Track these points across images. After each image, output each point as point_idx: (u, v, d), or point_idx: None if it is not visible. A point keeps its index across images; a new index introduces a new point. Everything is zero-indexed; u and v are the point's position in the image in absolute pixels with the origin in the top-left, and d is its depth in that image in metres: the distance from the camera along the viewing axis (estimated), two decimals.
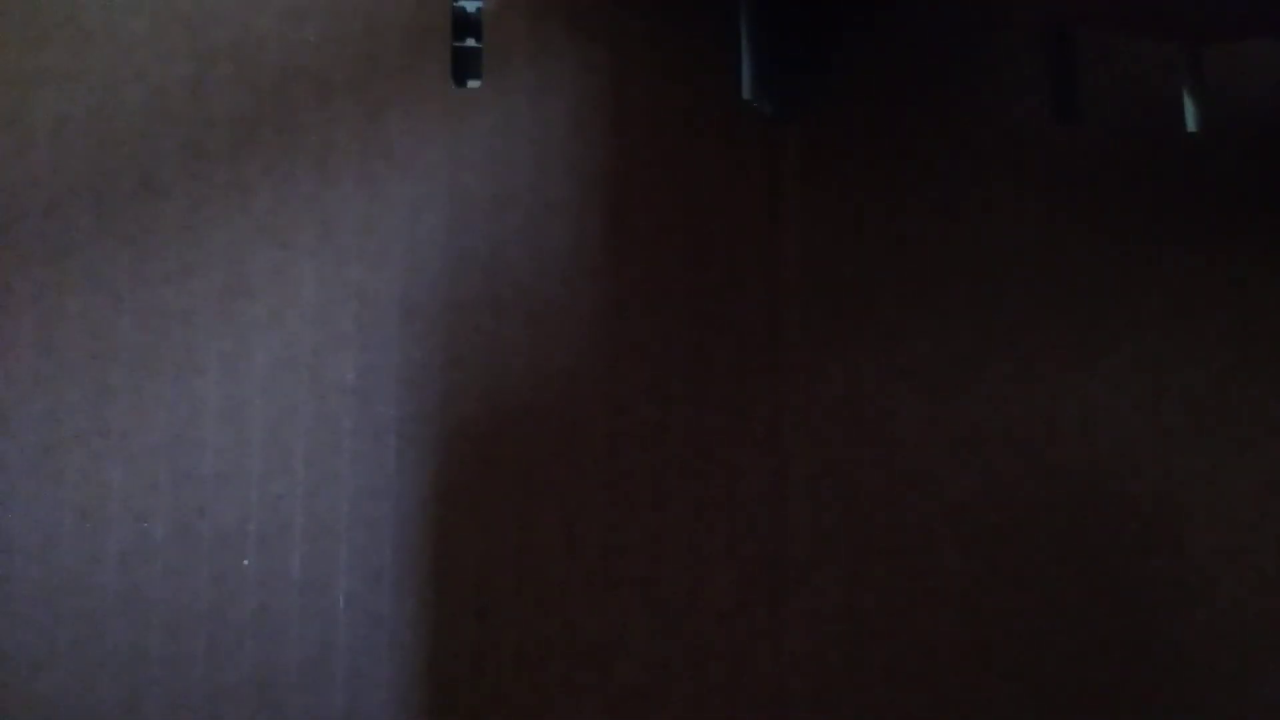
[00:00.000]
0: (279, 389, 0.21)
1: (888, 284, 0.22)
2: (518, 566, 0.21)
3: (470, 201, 0.22)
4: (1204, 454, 0.22)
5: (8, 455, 0.21)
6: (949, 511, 0.21)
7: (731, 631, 0.21)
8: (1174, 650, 0.21)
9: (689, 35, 0.23)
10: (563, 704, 0.21)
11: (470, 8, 0.23)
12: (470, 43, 0.23)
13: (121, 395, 0.21)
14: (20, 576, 0.20)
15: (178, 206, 0.21)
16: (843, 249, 0.22)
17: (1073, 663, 0.21)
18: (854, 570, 0.21)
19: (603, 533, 0.21)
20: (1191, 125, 0.23)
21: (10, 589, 0.20)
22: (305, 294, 0.21)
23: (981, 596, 0.21)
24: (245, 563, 0.21)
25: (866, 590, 0.21)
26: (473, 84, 0.22)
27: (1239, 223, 0.22)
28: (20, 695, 0.20)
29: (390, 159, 0.22)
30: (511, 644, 0.21)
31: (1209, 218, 0.22)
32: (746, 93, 0.23)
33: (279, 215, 0.21)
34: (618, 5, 0.23)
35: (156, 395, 0.21)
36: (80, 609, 0.20)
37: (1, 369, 0.21)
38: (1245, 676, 0.21)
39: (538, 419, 0.21)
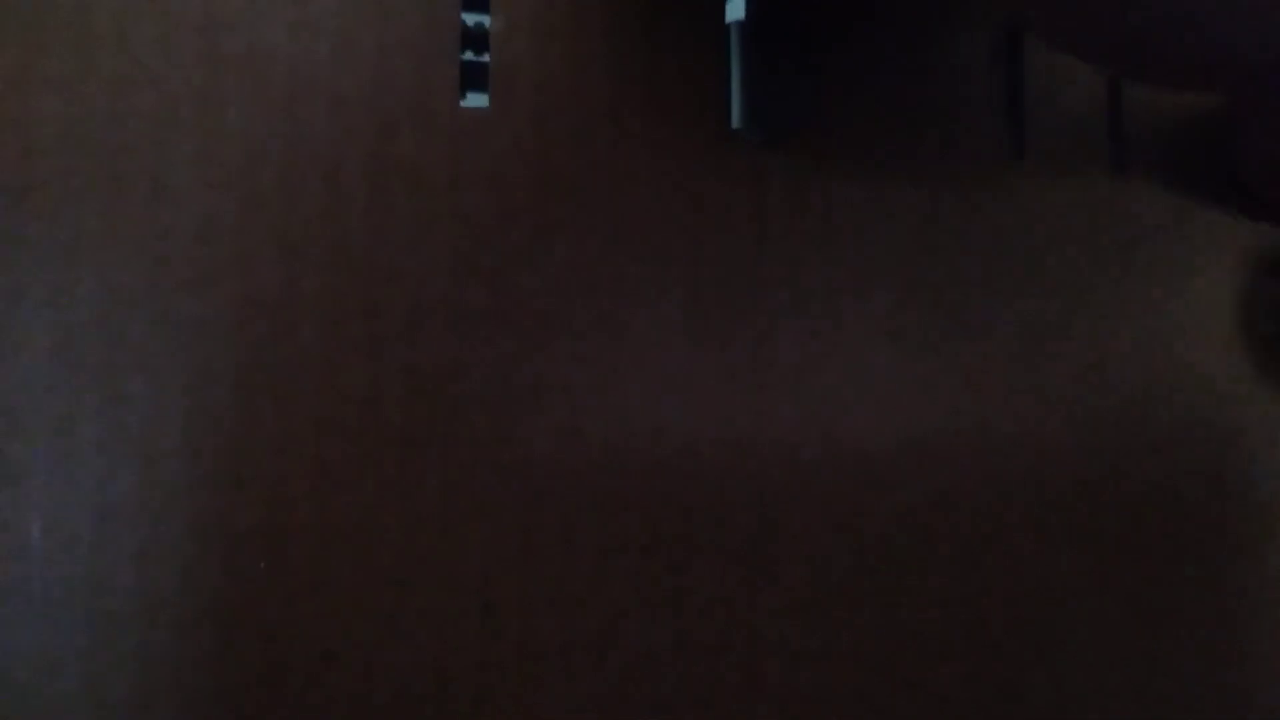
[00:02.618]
0: (290, 397, 0.22)
1: (858, 302, 0.24)
2: (520, 566, 0.22)
3: (475, 219, 0.23)
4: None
5: (25, 460, 0.21)
6: (905, 514, 0.24)
7: (712, 622, 0.23)
8: (1147, 642, 0.24)
9: (683, 67, 0.24)
10: (560, 692, 0.22)
11: (470, 21, 0.23)
12: (471, 56, 0.23)
13: (137, 402, 0.21)
14: (37, 578, 0.21)
15: (190, 214, 0.22)
16: (821, 268, 0.24)
17: (1043, 654, 0.24)
18: (822, 566, 0.23)
19: (599, 534, 0.23)
20: (1111, 158, 0.25)
21: (28, 590, 0.21)
22: (316, 305, 0.22)
23: (940, 588, 0.24)
24: (261, 565, 0.21)
25: (833, 584, 0.23)
26: (479, 99, 0.23)
27: (1153, 255, 0.25)
28: (36, 694, 0.20)
29: (399, 176, 0.22)
30: (514, 638, 0.22)
31: (1130, 249, 0.25)
32: (736, 122, 0.24)
33: (290, 227, 0.22)
34: (616, 37, 0.24)
35: (171, 402, 0.21)
36: (95, 610, 0.21)
37: (18, 375, 0.21)
38: (1221, 674, 0.24)
39: (539, 426, 0.23)
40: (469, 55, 0.23)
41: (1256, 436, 0.25)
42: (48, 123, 0.21)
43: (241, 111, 0.22)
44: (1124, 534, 0.24)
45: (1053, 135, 0.25)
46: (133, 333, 0.21)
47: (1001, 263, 0.25)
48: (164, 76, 0.22)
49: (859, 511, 0.24)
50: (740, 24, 0.25)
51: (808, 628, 0.23)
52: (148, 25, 0.22)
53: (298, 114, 0.22)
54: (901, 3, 0.25)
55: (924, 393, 0.24)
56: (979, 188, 0.25)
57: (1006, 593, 0.24)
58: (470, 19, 0.24)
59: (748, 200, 0.24)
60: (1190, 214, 0.25)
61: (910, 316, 0.24)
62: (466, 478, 0.22)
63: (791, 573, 0.23)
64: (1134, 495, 0.24)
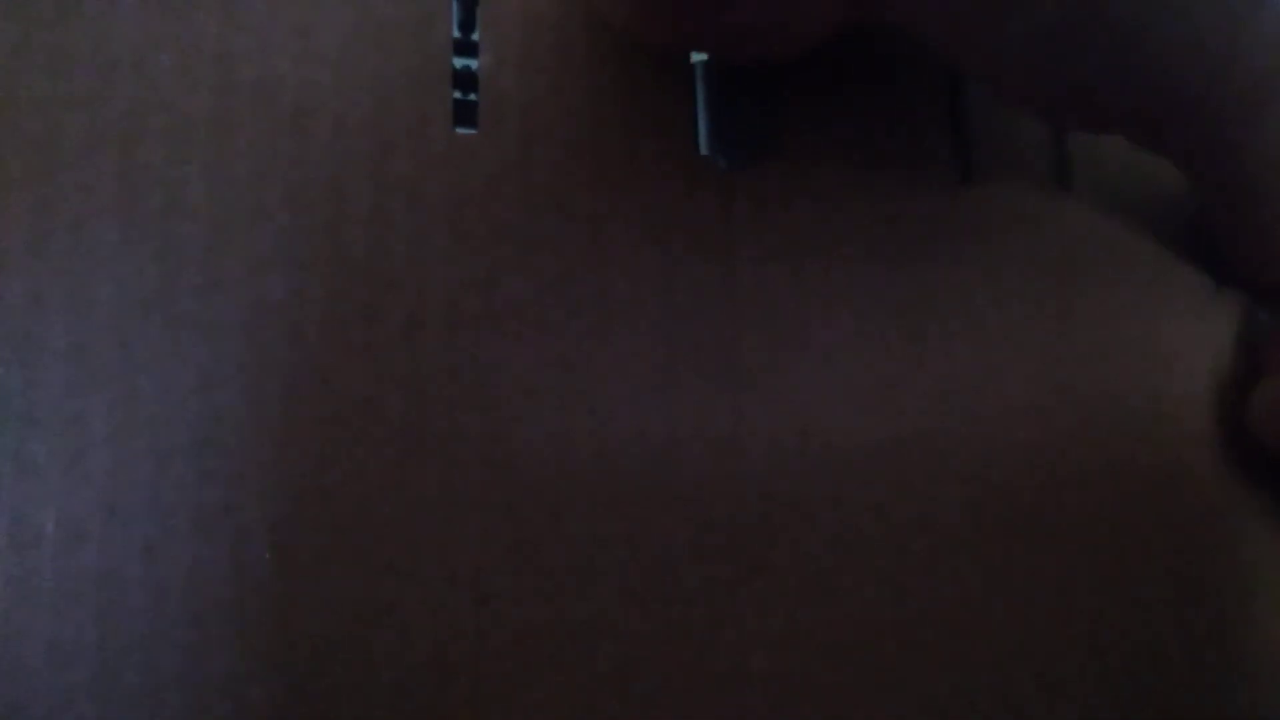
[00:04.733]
0: (295, 397, 0.23)
1: (822, 316, 0.26)
2: (513, 559, 0.23)
3: (469, 234, 0.24)
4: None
5: (39, 457, 0.22)
6: (878, 508, 0.25)
7: (698, 613, 0.24)
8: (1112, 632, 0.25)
9: (655, 99, 0.26)
10: (552, 679, 0.23)
11: (458, 64, 0.26)
12: (461, 95, 0.25)
13: (147, 401, 0.22)
14: (49, 571, 0.21)
15: (202, 227, 0.23)
16: (788, 281, 0.26)
17: (1021, 646, 0.25)
18: (798, 561, 0.25)
19: (587, 528, 0.24)
20: (1056, 177, 0.28)
21: (40, 583, 0.21)
22: (320, 311, 0.23)
23: (917, 580, 0.25)
24: (266, 556, 0.22)
25: (812, 576, 0.25)
26: (470, 132, 0.25)
27: (1097, 265, 0.27)
28: (46, 683, 0.21)
29: (397, 194, 0.24)
30: (508, 628, 0.23)
31: (1076, 260, 0.27)
32: (703, 149, 0.26)
33: (296, 239, 0.23)
34: (595, 72, 0.26)
35: (180, 401, 0.22)
36: (105, 601, 0.21)
37: (35, 376, 0.22)
38: (1191, 668, 0.25)
39: (530, 425, 0.24)
40: (458, 95, 0.26)
41: (1201, 433, 0.27)
42: (70, 141, 0.23)
43: (251, 133, 0.24)
44: (1088, 530, 0.26)
45: (997, 158, 0.28)
46: (145, 336, 0.22)
47: (958, 275, 0.27)
48: (179, 101, 0.23)
49: (834, 506, 0.25)
50: (704, 62, 0.27)
51: (791, 619, 0.24)
52: (165, 54, 0.23)
53: (303, 136, 0.24)
54: (853, 44, 0.28)
55: (890, 395, 0.26)
56: (932, 207, 0.27)
57: (981, 584, 0.25)
58: (459, 62, 0.26)
59: (717, 218, 0.26)
60: (1131, 226, 0.28)
61: (875, 324, 0.26)
62: (461, 475, 0.24)
63: (773, 565, 0.25)
64: (1093, 492, 0.26)
